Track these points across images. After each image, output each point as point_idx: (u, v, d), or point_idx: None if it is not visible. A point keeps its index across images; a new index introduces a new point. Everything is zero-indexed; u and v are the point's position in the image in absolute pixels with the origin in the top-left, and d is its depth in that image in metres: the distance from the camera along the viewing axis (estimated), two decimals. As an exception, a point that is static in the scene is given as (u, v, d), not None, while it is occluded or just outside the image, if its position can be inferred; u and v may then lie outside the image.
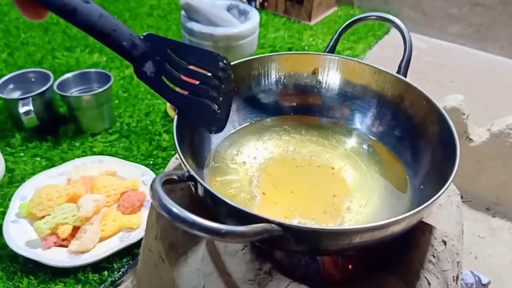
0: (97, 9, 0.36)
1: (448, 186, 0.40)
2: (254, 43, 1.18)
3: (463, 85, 1.24)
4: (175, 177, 0.38)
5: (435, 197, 0.39)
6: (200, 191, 0.39)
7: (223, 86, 0.44)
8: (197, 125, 0.44)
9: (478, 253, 0.77)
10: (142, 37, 0.39)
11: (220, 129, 0.45)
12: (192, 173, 0.39)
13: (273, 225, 0.34)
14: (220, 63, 0.43)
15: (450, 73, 1.30)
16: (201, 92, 0.43)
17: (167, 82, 0.42)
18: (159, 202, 0.32)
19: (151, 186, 0.35)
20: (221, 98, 0.44)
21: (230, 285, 0.42)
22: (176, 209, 0.31)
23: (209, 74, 0.43)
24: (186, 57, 0.41)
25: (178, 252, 0.45)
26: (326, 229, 0.37)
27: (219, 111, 0.44)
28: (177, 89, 0.42)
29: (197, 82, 0.43)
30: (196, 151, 0.49)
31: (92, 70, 0.98)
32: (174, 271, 0.44)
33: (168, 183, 0.37)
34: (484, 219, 0.84)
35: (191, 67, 0.42)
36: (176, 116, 0.44)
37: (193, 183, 0.39)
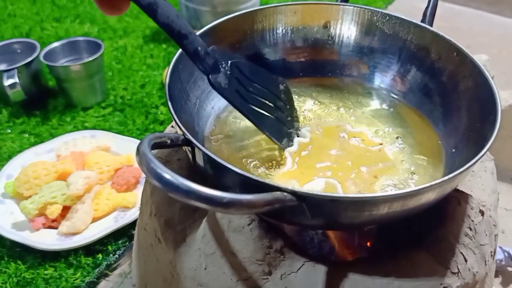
0: (174, 9, 0.35)
1: (491, 145, 0.37)
2: (255, 9, 1.11)
3: (479, 50, 1.18)
4: (167, 140, 0.35)
5: (476, 158, 0.35)
6: (198, 158, 0.35)
7: (288, 107, 0.46)
8: (270, 138, 0.43)
9: (505, 226, 0.73)
10: (210, 49, 0.39)
11: (290, 144, 0.44)
12: (188, 135, 0.35)
13: (285, 193, 0.30)
14: (281, 86, 0.46)
15: (466, 38, 1.24)
16: (270, 110, 0.44)
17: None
18: (147, 166, 0.28)
19: (138, 148, 0.30)
20: (288, 118, 0.45)
21: (236, 266, 0.38)
22: (168, 174, 0.27)
23: (274, 94, 0.45)
24: (250, 75, 0.43)
25: (176, 230, 0.42)
26: (349, 197, 0.34)
27: (288, 128, 0.45)
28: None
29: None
30: (194, 117, 0.45)
31: (81, 38, 0.92)
32: (172, 252, 0.41)
33: (159, 147, 0.33)
34: (509, 190, 0.80)
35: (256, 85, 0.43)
36: (169, 72, 0.40)
37: (189, 148, 0.36)
